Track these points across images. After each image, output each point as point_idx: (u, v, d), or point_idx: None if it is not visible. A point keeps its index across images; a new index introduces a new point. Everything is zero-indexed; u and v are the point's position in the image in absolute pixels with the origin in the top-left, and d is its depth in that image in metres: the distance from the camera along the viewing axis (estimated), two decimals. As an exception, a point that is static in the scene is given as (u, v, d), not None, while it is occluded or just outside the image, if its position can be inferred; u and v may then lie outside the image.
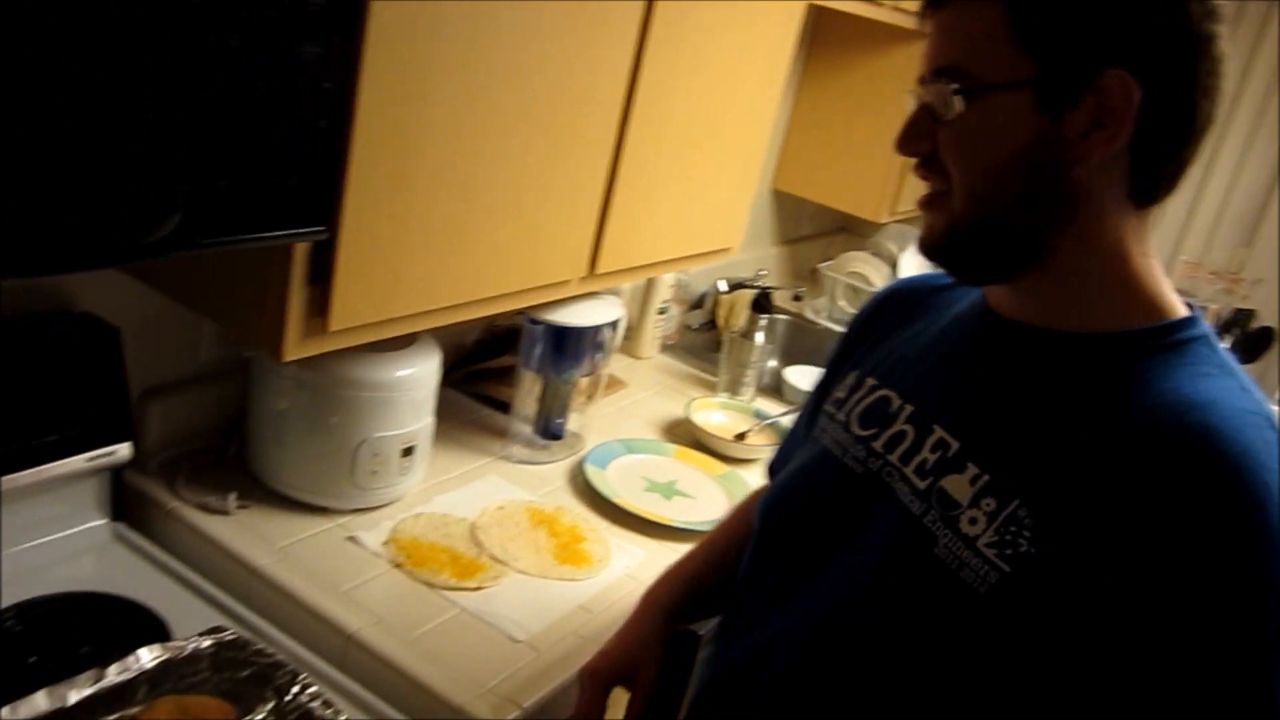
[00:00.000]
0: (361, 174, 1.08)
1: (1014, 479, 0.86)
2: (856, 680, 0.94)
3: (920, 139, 0.90)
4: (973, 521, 0.87)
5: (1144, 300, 0.88)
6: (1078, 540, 0.80)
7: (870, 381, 1.06)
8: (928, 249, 0.94)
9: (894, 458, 0.97)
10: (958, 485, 0.90)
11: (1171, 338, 0.87)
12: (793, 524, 1.06)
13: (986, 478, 0.88)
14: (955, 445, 0.92)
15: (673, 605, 1.23)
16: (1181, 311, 0.89)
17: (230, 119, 0.90)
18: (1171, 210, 3.05)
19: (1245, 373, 0.87)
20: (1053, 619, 0.81)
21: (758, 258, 2.96)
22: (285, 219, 1.01)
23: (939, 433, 0.94)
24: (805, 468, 1.08)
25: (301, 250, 1.09)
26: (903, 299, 1.18)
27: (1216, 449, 0.77)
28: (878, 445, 0.99)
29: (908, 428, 0.98)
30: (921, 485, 0.93)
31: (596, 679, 1.17)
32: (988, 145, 0.86)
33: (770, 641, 1.02)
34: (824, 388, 1.16)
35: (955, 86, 0.85)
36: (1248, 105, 2.91)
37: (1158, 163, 0.85)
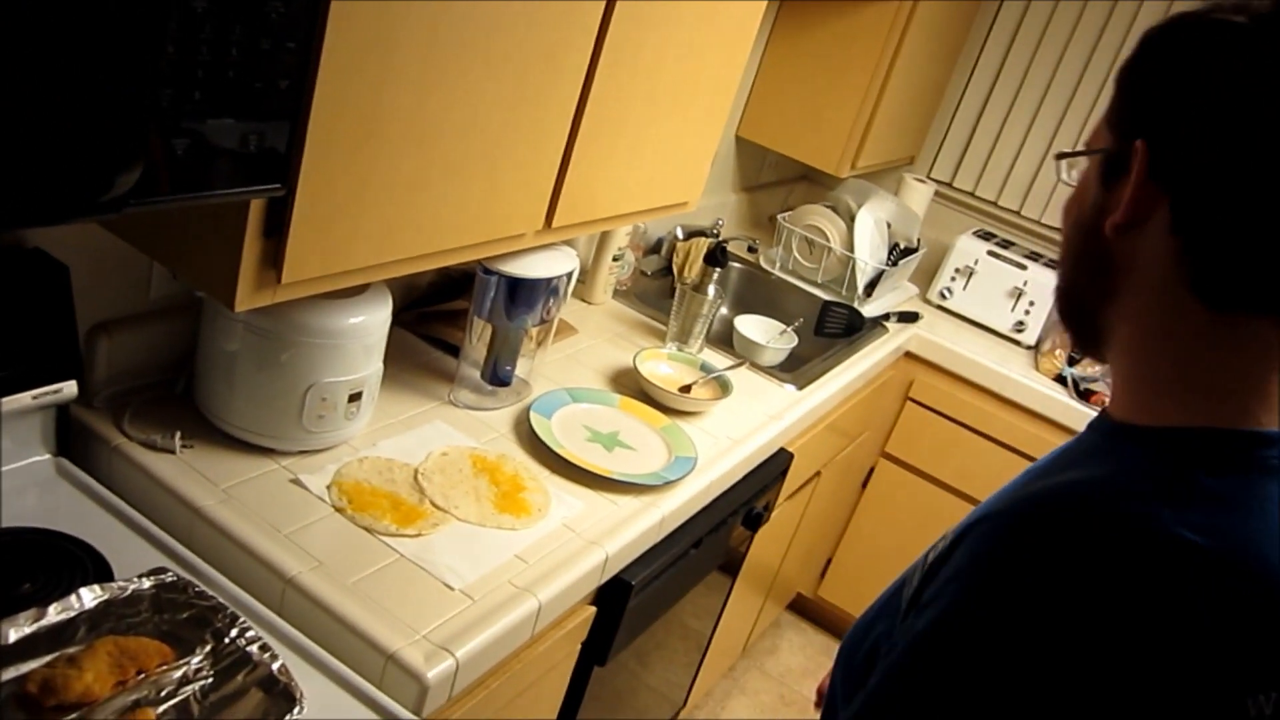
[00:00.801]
0: (320, 131, 1.08)
1: None
2: None
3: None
4: None
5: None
6: None
7: None
8: None
9: None
10: None
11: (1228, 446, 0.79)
12: None
13: None
14: None
15: None
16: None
17: (191, 77, 0.90)
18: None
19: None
20: None
21: (717, 204, 2.97)
22: (242, 176, 1.01)
23: None
24: None
25: (258, 203, 1.10)
26: None
27: None
28: None
29: None
30: None
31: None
32: (1069, 210, 0.89)
33: None
34: None
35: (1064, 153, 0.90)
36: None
37: (1216, 254, 0.77)
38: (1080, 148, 0.88)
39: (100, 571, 1.20)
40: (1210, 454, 0.78)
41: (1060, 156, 0.91)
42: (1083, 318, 0.89)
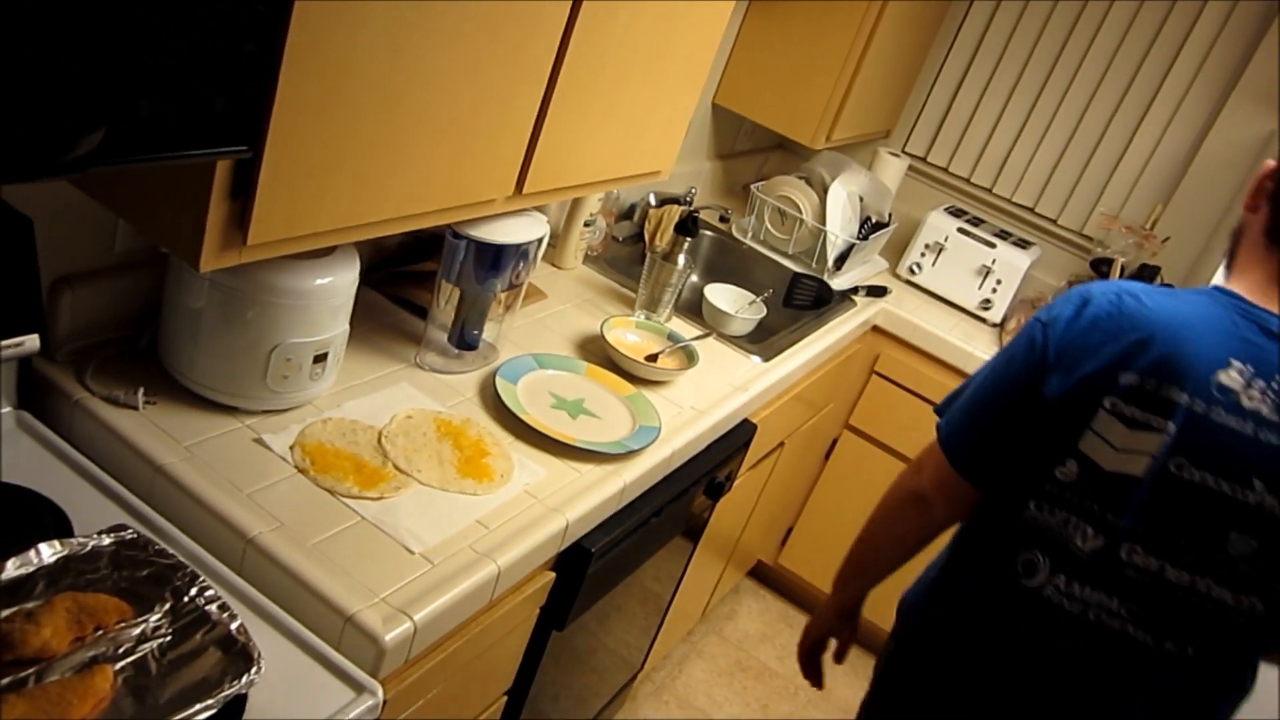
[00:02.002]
0: (289, 93, 1.07)
1: None
2: None
3: None
4: None
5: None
6: None
7: None
8: None
9: None
10: None
11: None
12: None
13: None
14: None
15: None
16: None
17: (158, 38, 0.89)
18: (1097, 162, 3.12)
19: None
20: None
21: (692, 171, 2.97)
22: (208, 138, 1.01)
23: None
24: None
25: (225, 163, 1.09)
26: None
27: None
28: None
29: None
30: None
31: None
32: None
33: None
34: None
35: None
36: (1182, 67, 2.96)
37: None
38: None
39: (60, 527, 1.20)
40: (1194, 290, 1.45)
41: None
42: (1230, 255, 1.49)
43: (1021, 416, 1.44)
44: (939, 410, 1.59)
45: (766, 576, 3.36)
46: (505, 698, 1.75)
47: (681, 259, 2.21)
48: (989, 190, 3.29)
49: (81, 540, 1.15)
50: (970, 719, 1.54)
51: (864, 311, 2.81)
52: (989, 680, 1.52)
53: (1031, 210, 3.25)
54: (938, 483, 1.55)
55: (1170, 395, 1.34)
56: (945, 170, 3.35)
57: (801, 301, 2.68)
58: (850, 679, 2.98)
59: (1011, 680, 1.50)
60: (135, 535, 1.19)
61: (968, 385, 1.56)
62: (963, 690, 1.54)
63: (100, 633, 1.07)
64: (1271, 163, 1.43)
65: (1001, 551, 1.48)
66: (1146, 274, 2.93)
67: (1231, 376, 1.34)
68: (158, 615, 1.12)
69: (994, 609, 1.50)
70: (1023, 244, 3.09)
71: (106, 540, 1.17)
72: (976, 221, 3.14)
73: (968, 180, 3.32)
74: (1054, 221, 3.22)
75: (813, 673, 1.85)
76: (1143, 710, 1.45)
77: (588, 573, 1.67)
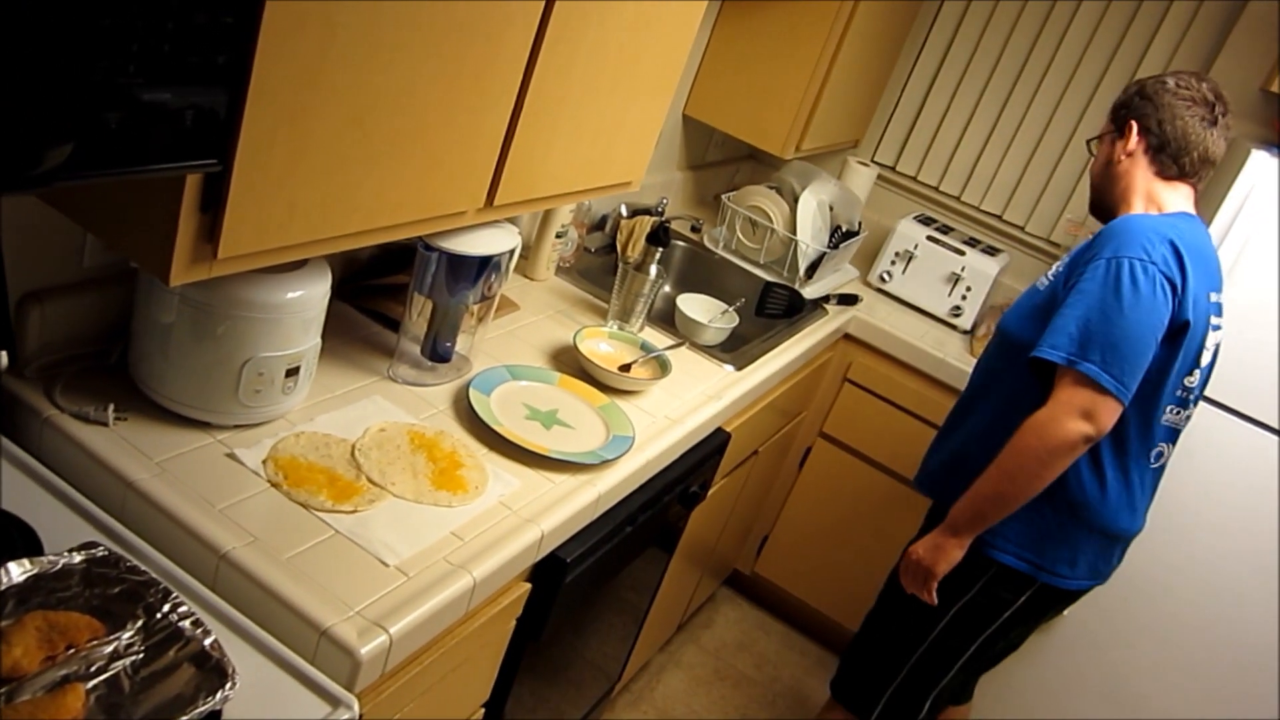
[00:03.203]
0: (259, 106, 1.07)
1: None
2: None
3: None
4: None
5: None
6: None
7: None
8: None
9: None
10: None
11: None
12: None
13: None
14: None
15: None
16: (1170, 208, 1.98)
17: (126, 50, 0.89)
18: (1063, 170, 3.15)
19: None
20: None
21: (663, 182, 2.98)
22: (178, 151, 1.01)
23: None
24: None
25: (194, 177, 1.09)
26: None
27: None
28: None
29: None
30: None
31: None
32: (1094, 165, 2.07)
33: None
34: None
35: (1093, 139, 2.10)
36: (1144, 76, 2.99)
37: (1164, 161, 1.97)
38: (1100, 135, 2.09)
39: (29, 545, 1.19)
40: (1178, 217, 1.95)
41: (1090, 140, 2.11)
42: (1101, 207, 2.06)
43: (1162, 345, 1.86)
44: (1071, 357, 1.83)
45: (743, 585, 3.37)
46: (483, 710, 1.75)
47: (653, 269, 2.22)
48: (957, 198, 3.32)
49: (52, 558, 1.14)
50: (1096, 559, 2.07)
51: (835, 320, 2.83)
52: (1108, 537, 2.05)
53: (999, 218, 3.28)
54: (1111, 423, 1.84)
55: (1217, 300, 1.97)
56: (914, 179, 3.37)
57: (773, 310, 2.69)
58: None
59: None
60: (107, 552, 1.18)
61: (1089, 328, 1.83)
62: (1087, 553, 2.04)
63: (72, 651, 1.06)
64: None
65: (1138, 451, 1.97)
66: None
67: (1220, 271, 2.00)
68: (130, 632, 1.11)
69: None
70: (991, 251, 3.12)
71: (77, 558, 1.16)
72: (945, 229, 3.17)
73: (936, 188, 3.35)
74: (1021, 228, 3.25)
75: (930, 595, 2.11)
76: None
77: (564, 583, 1.67)
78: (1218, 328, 1.98)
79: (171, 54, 0.93)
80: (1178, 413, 1.98)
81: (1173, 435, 2.01)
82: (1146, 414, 1.94)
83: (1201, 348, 1.94)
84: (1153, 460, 2.01)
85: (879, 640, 2.23)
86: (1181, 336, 1.87)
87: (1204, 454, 2.48)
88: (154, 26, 0.90)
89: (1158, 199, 1.97)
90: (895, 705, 2.20)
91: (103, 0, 0.85)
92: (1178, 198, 1.97)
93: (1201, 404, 2.45)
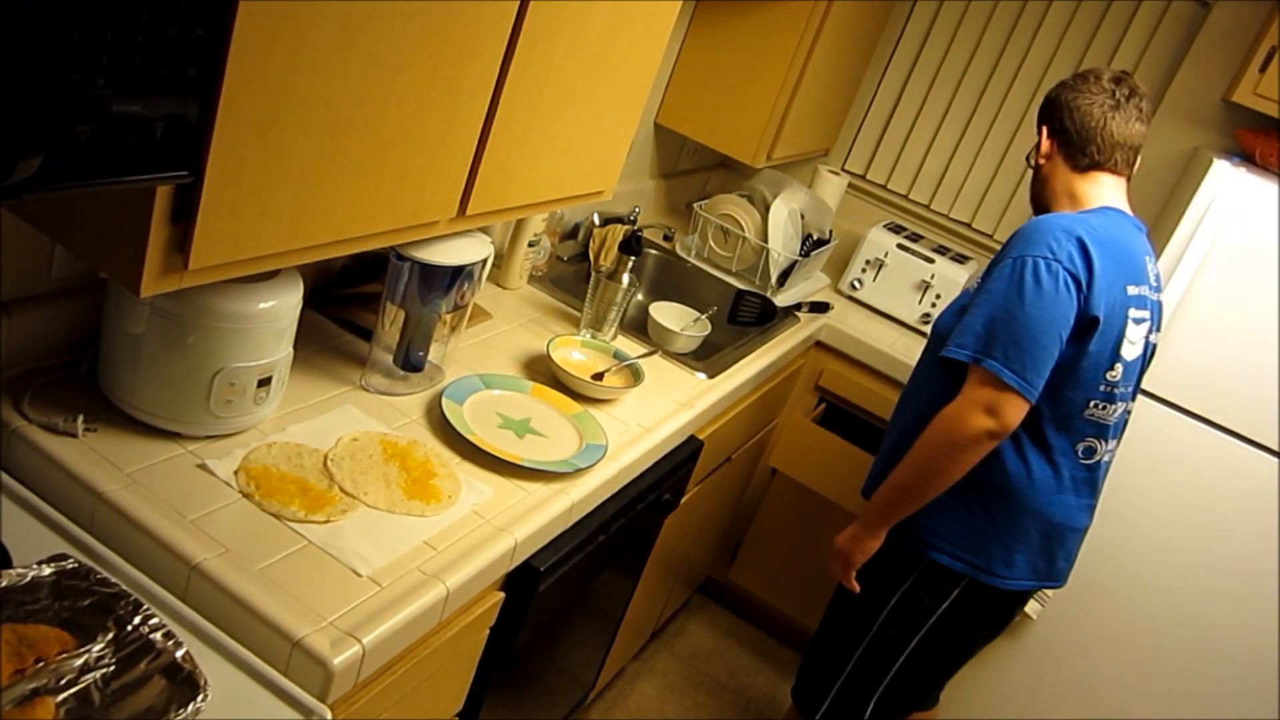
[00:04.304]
0: (230, 117, 1.07)
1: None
2: None
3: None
4: None
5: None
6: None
7: None
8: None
9: None
10: None
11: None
12: None
13: None
14: None
15: None
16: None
17: (96, 63, 0.89)
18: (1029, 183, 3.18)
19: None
20: None
21: (635, 190, 2.99)
22: (149, 163, 1.00)
23: None
24: None
25: (165, 188, 1.09)
26: None
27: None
28: None
29: None
30: None
31: None
32: (1033, 163, 2.11)
33: None
34: None
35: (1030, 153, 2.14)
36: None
37: (1071, 151, 2.02)
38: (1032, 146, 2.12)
39: (-2, 557, 1.18)
40: (1095, 212, 1.99)
41: (1027, 155, 2.14)
42: (1039, 204, 2.09)
43: (1071, 341, 1.88)
44: (976, 353, 1.87)
45: (716, 592, 3.38)
46: (457, 719, 1.75)
47: (626, 278, 2.22)
48: (927, 206, 3.35)
49: (20, 571, 1.13)
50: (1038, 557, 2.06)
51: (807, 327, 2.85)
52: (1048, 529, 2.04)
53: (968, 225, 3.31)
54: (1016, 419, 1.87)
55: (1143, 291, 1.96)
56: (884, 187, 3.40)
57: (746, 318, 2.71)
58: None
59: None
60: (76, 564, 1.17)
61: (993, 326, 1.86)
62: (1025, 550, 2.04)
63: (41, 664, 1.06)
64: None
65: (1062, 446, 1.98)
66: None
67: (1148, 263, 2.00)
68: (100, 645, 1.10)
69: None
70: (960, 259, 3.15)
71: (46, 570, 1.15)
72: (915, 237, 3.20)
73: (906, 197, 3.38)
74: (990, 236, 3.28)
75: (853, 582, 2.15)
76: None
77: (537, 592, 1.67)
78: (1142, 321, 1.96)
79: (142, 65, 0.93)
80: (1104, 407, 1.97)
81: (1103, 430, 2.00)
82: (1062, 408, 1.94)
83: (1120, 341, 1.93)
84: (1081, 454, 2.00)
85: (825, 640, 2.25)
86: (1092, 332, 1.88)
87: (1165, 455, 2.52)
88: (124, 38, 0.90)
89: (1077, 194, 2.00)
90: (840, 704, 2.20)
91: (72, 12, 0.84)
92: (1099, 190, 2.00)
93: (1168, 411, 2.49)
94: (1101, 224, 1.92)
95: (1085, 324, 1.87)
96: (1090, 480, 2.06)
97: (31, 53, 0.84)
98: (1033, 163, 2.09)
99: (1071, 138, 2.00)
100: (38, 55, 0.84)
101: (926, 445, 1.94)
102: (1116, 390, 1.97)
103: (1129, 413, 2.08)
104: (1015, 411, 1.86)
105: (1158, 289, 2.04)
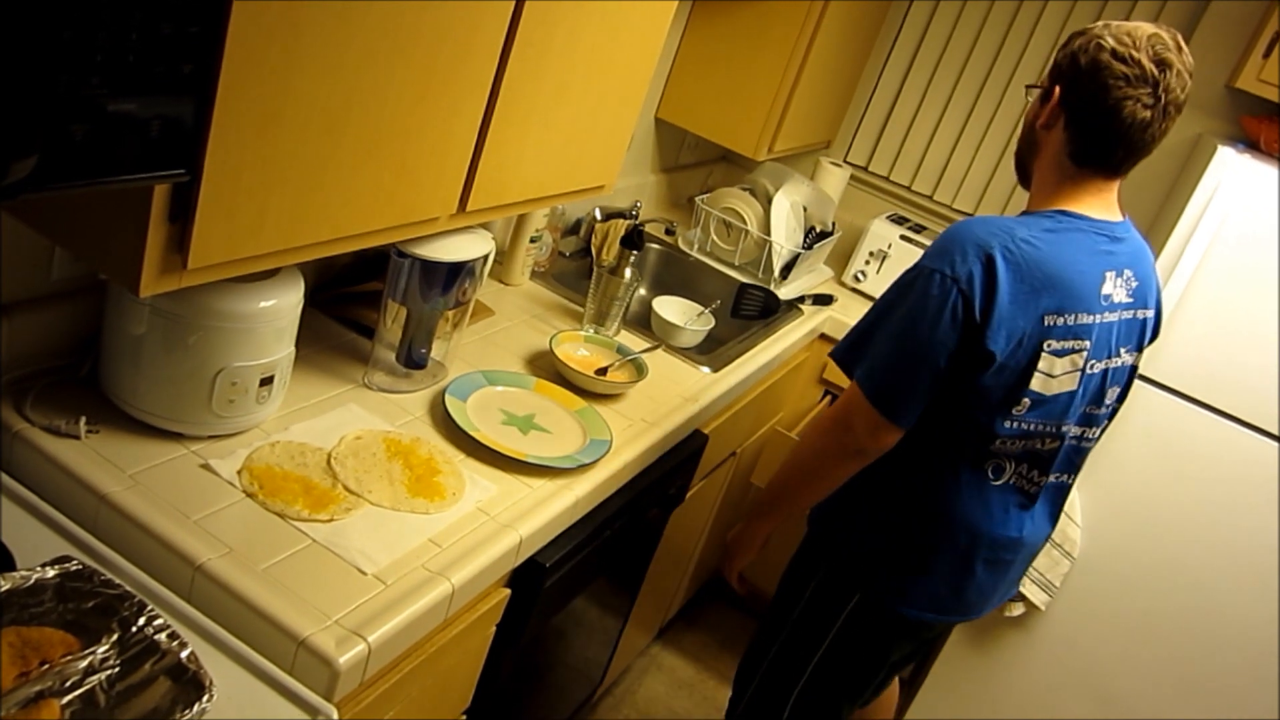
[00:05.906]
0: (227, 115, 1.07)
1: None
2: None
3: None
4: None
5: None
6: None
7: None
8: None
9: None
10: None
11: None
12: None
13: None
14: None
15: None
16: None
17: (89, 62, 0.89)
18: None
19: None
20: None
21: (637, 185, 2.99)
22: (145, 162, 1.00)
23: None
24: None
25: (162, 187, 1.08)
26: None
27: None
28: None
29: None
30: None
31: None
32: (1025, 119, 1.80)
33: None
34: None
35: (1032, 86, 1.80)
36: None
37: (1080, 143, 1.69)
38: (1037, 84, 1.78)
39: (1, 561, 1.18)
40: (1050, 216, 1.71)
41: (1028, 87, 1.81)
42: (1023, 169, 1.81)
43: (959, 371, 1.66)
44: (846, 362, 1.76)
45: (723, 587, 3.37)
46: (465, 717, 1.74)
47: (628, 272, 2.22)
48: (929, 197, 3.34)
49: (24, 573, 1.13)
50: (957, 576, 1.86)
51: (811, 320, 2.84)
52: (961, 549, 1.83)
53: (971, 216, 3.30)
54: (874, 437, 1.72)
55: (1082, 320, 1.68)
56: (886, 179, 3.39)
57: (749, 312, 2.70)
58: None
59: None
60: (80, 566, 1.17)
61: (871, 337, 1.72)
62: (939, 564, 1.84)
63: (46, 667, 1.05)
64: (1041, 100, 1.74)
65: (971, 466, 1.76)
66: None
67: (1108, 285, 1.71)
68: (105, 647, 1.10)
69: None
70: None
71: (50, 573, 1.15)
72: (918, 228, 3.18)
73: (908, 188, 3.36)
74: (994, 226, 3.27)
75: (744, 587, 2.14)
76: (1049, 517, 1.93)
77: (543, 588, 1.67)
78: (1070, 352, 1.68)
79: (137, 64, 0.92)
80: (1018, 443, 1.74)
81: (1040, 460, 1.78)
82: (971, 432, 1.72)
83: (1027, 375, 1.66)
84: (992, 475, 1.77)
85: (750, 647, 2.16)
86: (987, 365, 1.63)
87: (1168, 441, 2.51)
88: (118, 37, 0.89)
89: (1061, 186, 1.72)
90: (763, 693, 2.09)
91: (64, 12, 0.84)
92: (1082, 191, 1.71)
93: (1173, 398, 2.48)
94: (1044, 238, 1.65)
95: (977, 356, 1.63)
96: (1022, 500, 1.82)
97: (24, 52, 0.83)
98: (1032, 112, 1.75)
99: (1089, 132, 1.67)
100: (31, 54, 0.84)
101: (802, 446, 1.85)
102: (1033, 426, 1.72)
103: (1090, 440, 1.84)
104: (876, 432, 1.70)
105: (1142, 304, 1.79)
